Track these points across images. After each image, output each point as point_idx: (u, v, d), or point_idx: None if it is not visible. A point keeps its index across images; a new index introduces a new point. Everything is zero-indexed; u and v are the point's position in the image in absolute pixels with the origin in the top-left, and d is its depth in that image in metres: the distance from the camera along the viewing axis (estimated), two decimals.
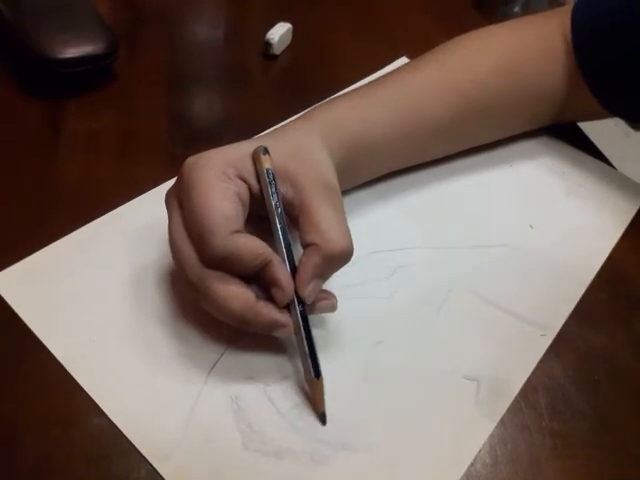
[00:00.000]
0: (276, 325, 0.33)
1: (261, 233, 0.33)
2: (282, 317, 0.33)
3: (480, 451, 0.34)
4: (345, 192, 0.46)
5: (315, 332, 0.33)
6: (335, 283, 0.37)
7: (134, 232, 0.41)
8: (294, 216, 0.34)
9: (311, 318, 0.34)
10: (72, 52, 0.49)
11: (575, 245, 0.46)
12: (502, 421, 0.35)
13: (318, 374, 0.33)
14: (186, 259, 0.32)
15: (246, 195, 0.34)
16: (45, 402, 0.32)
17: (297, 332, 0.33)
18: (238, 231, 0.32)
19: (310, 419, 0.33)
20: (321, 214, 0.33)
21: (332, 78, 0.46)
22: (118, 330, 0.36)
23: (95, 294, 0.37)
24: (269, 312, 0.32)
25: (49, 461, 0.30)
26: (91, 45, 0.50)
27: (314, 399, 0.34)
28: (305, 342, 0.33)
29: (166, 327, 0.36)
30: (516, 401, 0.36)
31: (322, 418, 0.33)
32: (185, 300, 0.37)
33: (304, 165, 0.35)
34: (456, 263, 0.43)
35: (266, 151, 0.34)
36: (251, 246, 0.32)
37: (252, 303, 0.32)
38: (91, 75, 0.52)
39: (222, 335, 0.36)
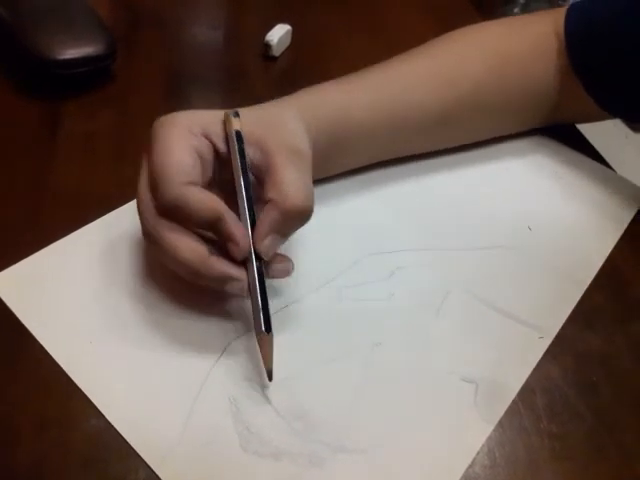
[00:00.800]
0: (229, 278, 0.33)
1: (229, 199, 0.34)
2: (235, 271, 0.33)
3: (478, 453, 0.34)
4: (344, 196, 0.46)
5: (313, 333, 0.33)
6: (334, 284, 0.37)
7: (133, 233, 0.40)
8: (261, 179, 0.35)
9: (309, 321, 0.33)
10: (70, 53, 0.49)
11: (574, 247, 0.46)
12: (500, 423, 0.35)
13: (269, 329, 0.33)
14: (143, 207, 0.33)
15: (209, 153, 0.35)
16: (42, 403, 0.32)
17: (251, 288, 0.34)
18: (194, 184, 0.32)
19: (309, 421, 0.33)
20: (284, 173, 0.34)
21: (331, 79, 0.47)
22: (116, 331, 0.36)
23: (94, 295, 0.37)
24: (221, 266, 0.33)
25: (45, 463, 0.30)
26: (89, 46, 0.50)
27: (263, 355, 0.34)
28: (259, 296, 0.33)
29: (165, 328, 0.36)
30: (514, 403, 0.36)
31: (269, 375, 0.34)
32: (185, 301, 0.37)
33: (273, 130, 0.36)
34: (454, 265, 0.43)
35: (237, 115, 0.35)
36: (203, 198, 0.32)
37: (205, 256, 0.32)
38: (89, 76, 0.52)
39: (221, 336, 0.36)
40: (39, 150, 0.46)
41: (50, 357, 0.34)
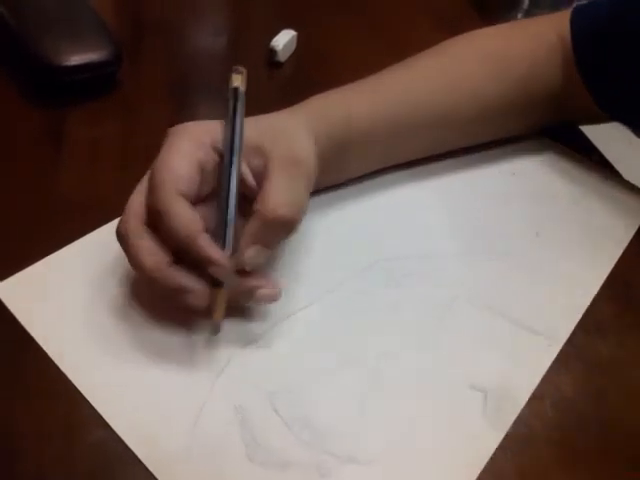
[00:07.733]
0: (182, 291, 0.33)
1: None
2: (190, 282, 0.33)
3: (487, 462, 0.33)
4: (349, 202, 0.46)
5: (318, 341, 0.33)
6: (340, 292, 0.36)
7: None
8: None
9: (315, 330, 0.33)
10: (75, 59, 0.49)
11: (582, 253, 0.46)
12: (509, 432, 0.35)
13: (220, 284, 0.33)
14: (128, 206, 0.33)
15: (212, 166, 0.35)
16: (46, 412, 0.32)
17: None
18: (186, 195, 0.32)
19: (316, 431, 0.33)
20: (273, 182, 0.34)
21: (337, 84, 0.46)
22: (121, 340, 0.35)
23: (99, 303, 0.37)
24: (178, 276, 0.33)
25: (50, 473, 0.30)
26: (94, 52, 0.50)
27: (213, 307, 0.33)
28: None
29: (171, 337, 0.36)
30: (523, 412, 0.36)
31: (216, 328, 0.34)
32: (191, 310, 0.37)
33: (277, 140, 0.36)
34: (462, 272, 0.43)
35: (239, 71, 0.35)
36: (184, 213, 0.32)
37: (163, 265, 0.32)
38: (94, 83, 0.52)
39: (226, 345, 0.36)
40: (43, 157, 0.46)
41: (55, 365, 0.34)
